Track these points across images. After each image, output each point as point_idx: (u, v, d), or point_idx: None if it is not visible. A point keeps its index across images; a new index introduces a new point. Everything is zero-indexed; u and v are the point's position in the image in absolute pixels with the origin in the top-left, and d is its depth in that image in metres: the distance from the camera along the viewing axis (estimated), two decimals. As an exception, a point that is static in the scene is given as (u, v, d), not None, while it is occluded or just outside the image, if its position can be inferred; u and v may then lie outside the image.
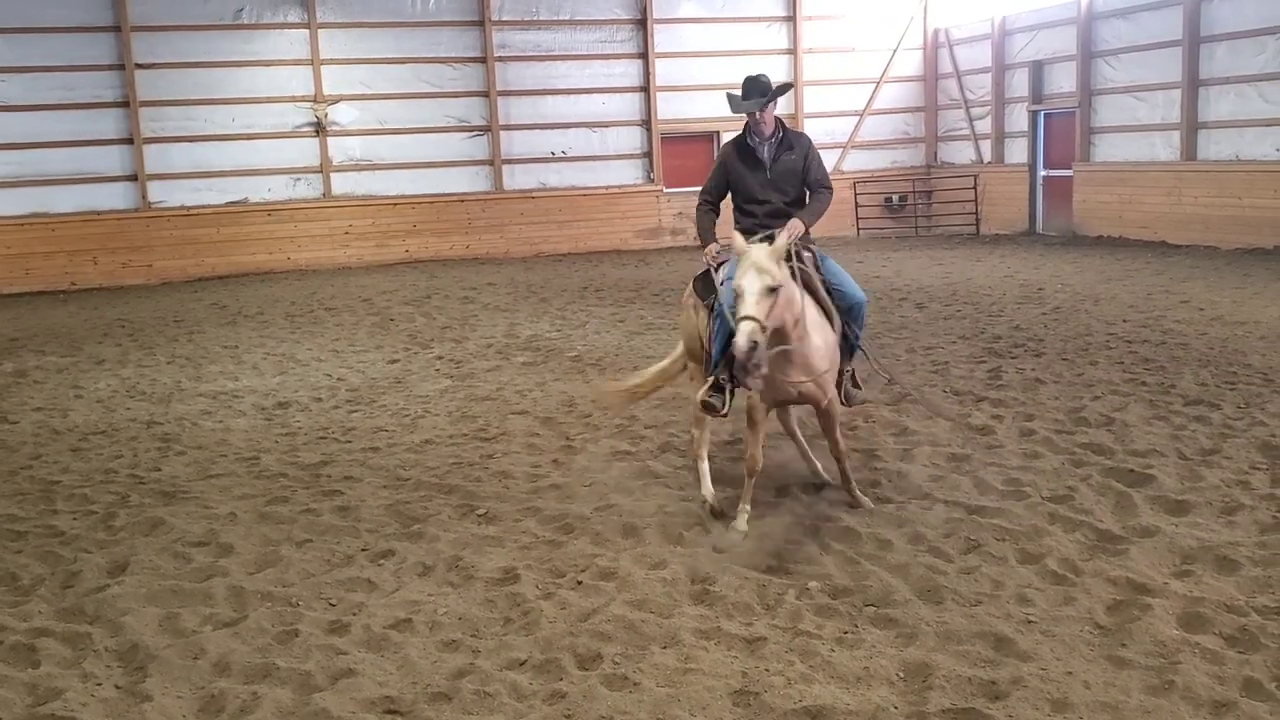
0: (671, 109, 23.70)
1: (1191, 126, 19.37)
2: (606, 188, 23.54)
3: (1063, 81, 22.12)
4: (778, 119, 6.62)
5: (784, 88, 6.67)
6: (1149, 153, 20.33)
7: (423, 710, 4.31)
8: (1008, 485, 6.72)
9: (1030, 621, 4.86)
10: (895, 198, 24.98)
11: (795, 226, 6.26)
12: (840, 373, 6.45)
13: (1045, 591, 5.18)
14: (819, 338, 6.06)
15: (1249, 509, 6.10)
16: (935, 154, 25.71)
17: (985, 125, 24.12)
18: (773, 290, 5.54)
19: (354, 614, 5.22)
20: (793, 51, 24.44)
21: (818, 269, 6.38)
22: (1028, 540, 5.79)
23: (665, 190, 23.71)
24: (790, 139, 6.61)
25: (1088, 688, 4.29)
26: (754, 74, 6.64)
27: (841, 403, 6.54)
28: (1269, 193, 17.75)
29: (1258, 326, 11.39)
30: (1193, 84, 19.25)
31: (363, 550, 6.09)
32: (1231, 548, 5.55)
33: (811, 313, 6.06)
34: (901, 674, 4.48)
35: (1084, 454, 7.26)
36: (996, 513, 6.22)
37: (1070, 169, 21.94)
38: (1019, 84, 23.22)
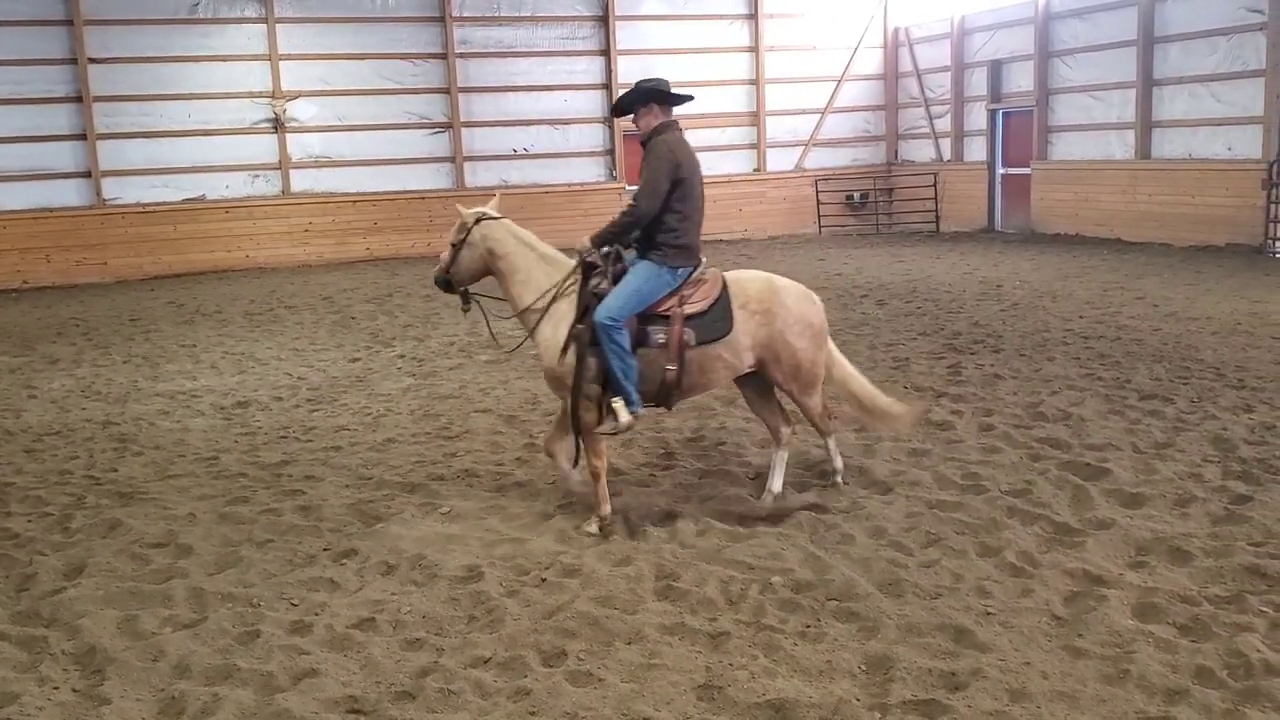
0: (633, 106, 23.66)
1: (1146, 125, 19.64)
2: (569, 185, 23.50)
3: (1021, 80, 22.35)
4: (662, 125, 6.31)
5: (640, 97, 6.31)
6: (1105, 151, 20.60)
7: (387, 709, 4.30)
8: (967, 479, 6.80)
9: (989, 613, 4.92)
10: (856, 195, 25.13)
11: (583, 242, 6.32)
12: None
13: (1004, 584, 5.25)
14: (546, 329, 6.29)
15: (1201, 501, 6.21)
16: (896, 152, 25.89)
17: (945, 123, 24.33)
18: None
19: (316, 614, 5.19)
20: (754, 49, 24.52)
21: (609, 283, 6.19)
22: (987, 533, 5.86)
23: (628, 187, 23.68)
24: (648, 145, 6.31)
25: (1045, 678, 4.35)
26: (646, 77, 6.48)
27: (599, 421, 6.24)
28: (1220, 191, 18.05)
29: (1210, 322, 11.59)
30: (1147, 84, 19.52)
31: (325, 550, 6.05)
32: (1185, 539, 5.66)
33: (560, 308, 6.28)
34: (863, 666, 4.52)
35: (1041, 448, 7.36)
36: (956, 506, 6.29)
37: (1028, 167, 22.18)
38: (978, 83, 23.44)
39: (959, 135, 24.08)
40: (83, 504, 7.04)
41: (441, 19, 22.41)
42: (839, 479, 6.78)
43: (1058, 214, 21.38)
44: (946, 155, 24.32)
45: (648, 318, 6.18)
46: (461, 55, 22.64)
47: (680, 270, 6.28)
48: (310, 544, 6.14)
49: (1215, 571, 5.28)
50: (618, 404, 6.12)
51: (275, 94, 21.52)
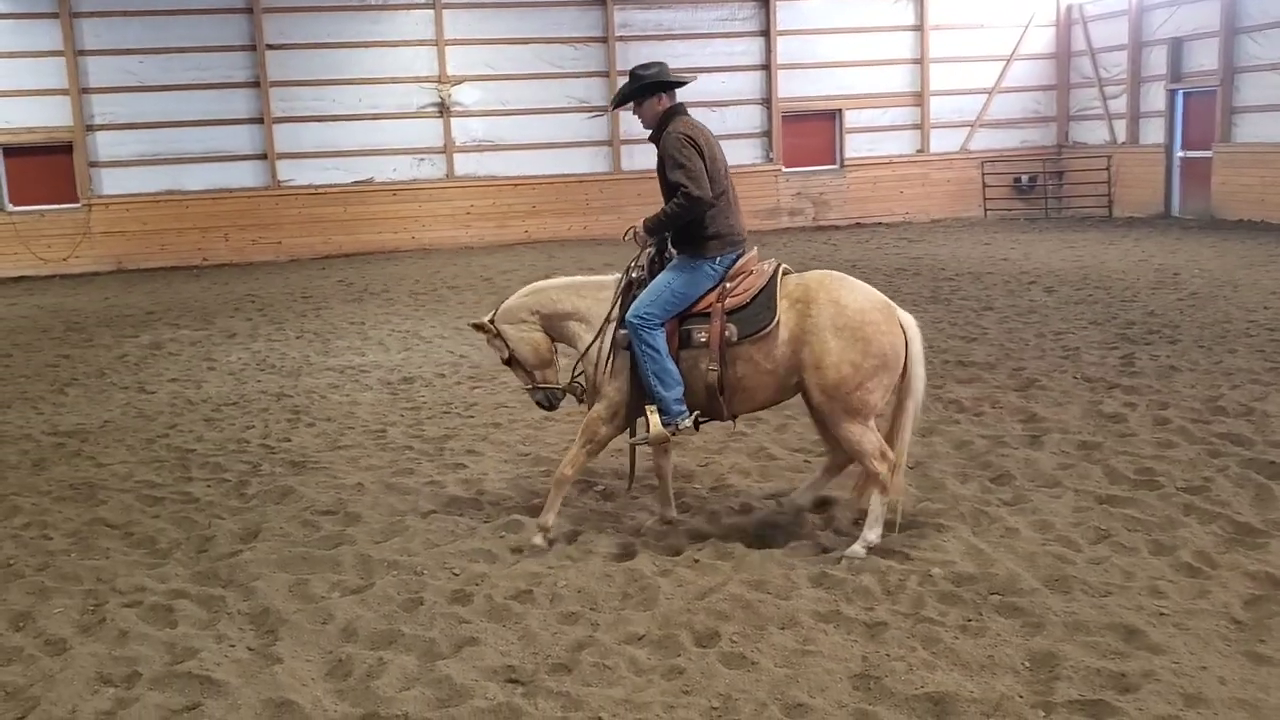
0: (792, 87, 23.40)
1: (1343, 104, 18.38)
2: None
3: (1204, 59, 21.17)
4: (669, 111, 5.93)
5: (644, 88, 5.92)
6: (1296, 132, 19.36)
7: (543, 680, 4.37)
8: (1140, 474, 6.50)
9: (1163, 614, 4.70)
10: (1024, 178, 24.29)
11: (634, 228, 5.94)
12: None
13: (1179, 584, 5.00)
14: (598, 343, 5.89)
15: (1402, 506, 5.79)
16: (1066, 134, 24.91)
17: (1119, 104, 23.27)
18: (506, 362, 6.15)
19: (477, 584, 5.31)
20: (920, 28, 23.90)
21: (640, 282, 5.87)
22: (1161, 531, 5.60)
23: (784, 170, 23.47)
24: (662, 136, 5.88)
25: (1223, 683, 4.13)
26: (641, 64, 6.06)
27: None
28: None
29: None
30: (1346, 59, 18.25)
31: (485, 522, 6.19)
32: (1382, 545, 5.28)
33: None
34: (1027, 663, 4.37)
35: (1221, 444, 6.98)
36: (1128, 502, 6.02)
37: (1209, 150, 21.03)
38: (1156, 61, 22.31)
39: (1135, 117, 22.98)
40: (258, 471, 7.38)
41: (602, 3, 22.58)
42: (854, 551, 5.51)
43: (1241, 199, 20.21)
44: (1121, 137, 23.26)
45: (688, 316, 5.70)
46: (621, 39, 22.76)
47: (720, 260, 5.75)
48: (471, 516, 6.30)
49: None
50: (652, 413, 5.65)
51: (441, 79, 22.06)
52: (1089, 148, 24.11)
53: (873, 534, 5.57)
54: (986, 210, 24.05)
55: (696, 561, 5.51)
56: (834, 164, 23.74)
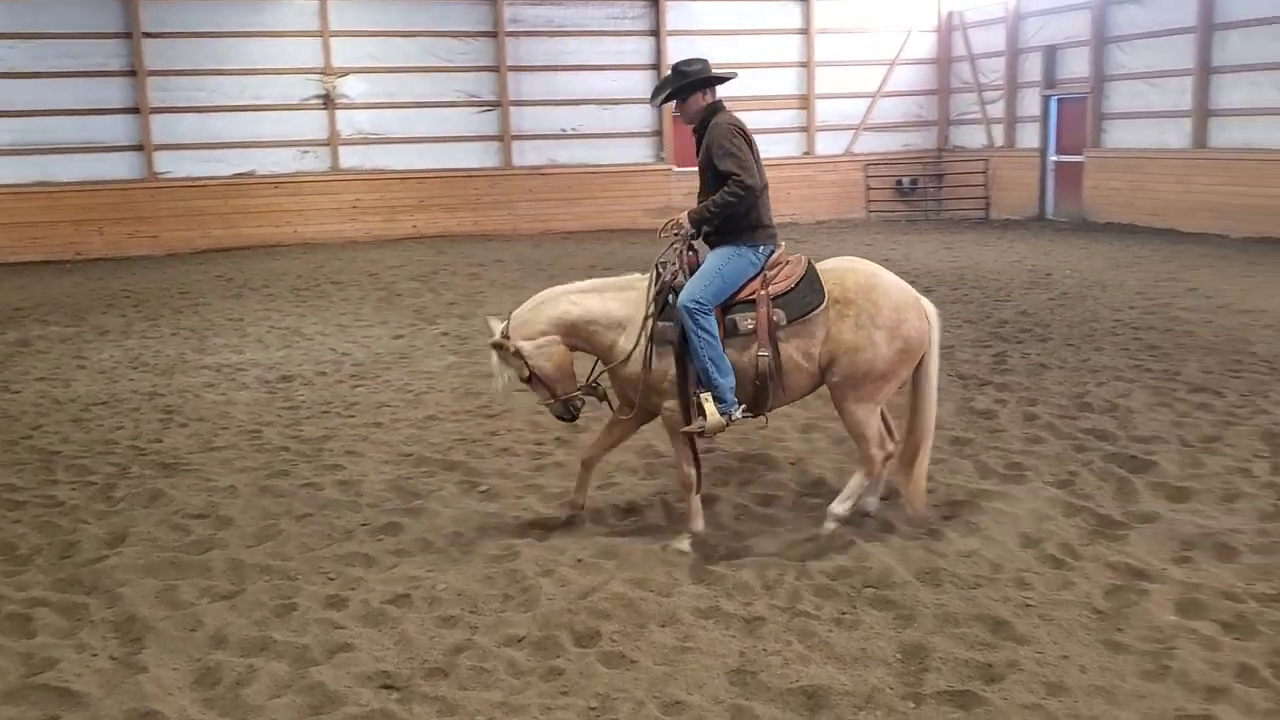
0: (682, 88, 23.50)
1: (1203, 114, 19.22)
2: (616, 166, 23.45)
3: (1076, 66, 21.95)
4: (712, 106, 5.95)
5: (690, 85, 5.90)
6: (1160, 139, 20.19)
7: (419, 685, 4.31)
8: (1009, 469, 6.70)
9: (1028, 605, 4.85)
10: (906, 181, 24.87)
11: (678, 221, 5.91)
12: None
13: (1044, 575, 5.17)
14: (629, 343, 5.76)
15: (1250, 496, 6.08)
16: (947, 137, 25.58)
17: (997, 109, 23.98)
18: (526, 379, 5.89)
19: (352, 588, 5.22)
20: (806, 31, 24.30)
21: (685, 273, 5.77)
22: (1028, 524, 5.77)
23: (675, 169, 23.61)
24: (709, 126, 5.87)
25: (1083, 671, 4.28)
26: (684, 60, 6.06)
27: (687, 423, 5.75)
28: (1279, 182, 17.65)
29: (1264, 315, 11.34)
30: (1205, 71, 19.09)
31: (363, 525, 6.09)
32: (1231, 535, 5.54)
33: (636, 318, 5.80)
34: (899, 655, 4.47)
35: (1087, 439, 7.24)
36: (998, 496, 6.20)
37: (1081, 154, 21.81)
38: (1032, 68, 23.05)
39: (1011, 121, 23.71)
40: (126, 474, 7.14)
41: (492, -2, 22.45)
42: (845, 511, 5.78)
43: (1111, 203, 21.01)
44: (999, 141, 23.98)
45: (732, 305, 5.68)
46: (511, 34, 22.64)
47: (763, 249, 5.81)
48: (349, 519, 6.19)
49: (1262, 569, 5.16)
50: (707, 400, 5.58)
51: (326, 70, 21.65)
52: (968, 151, 24.80)
53: (841, 507, 5.79)
54: (870, 212, 24.56)
55: (580, 561, 5.50)
56: (723, 164, 23.87)
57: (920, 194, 24.84)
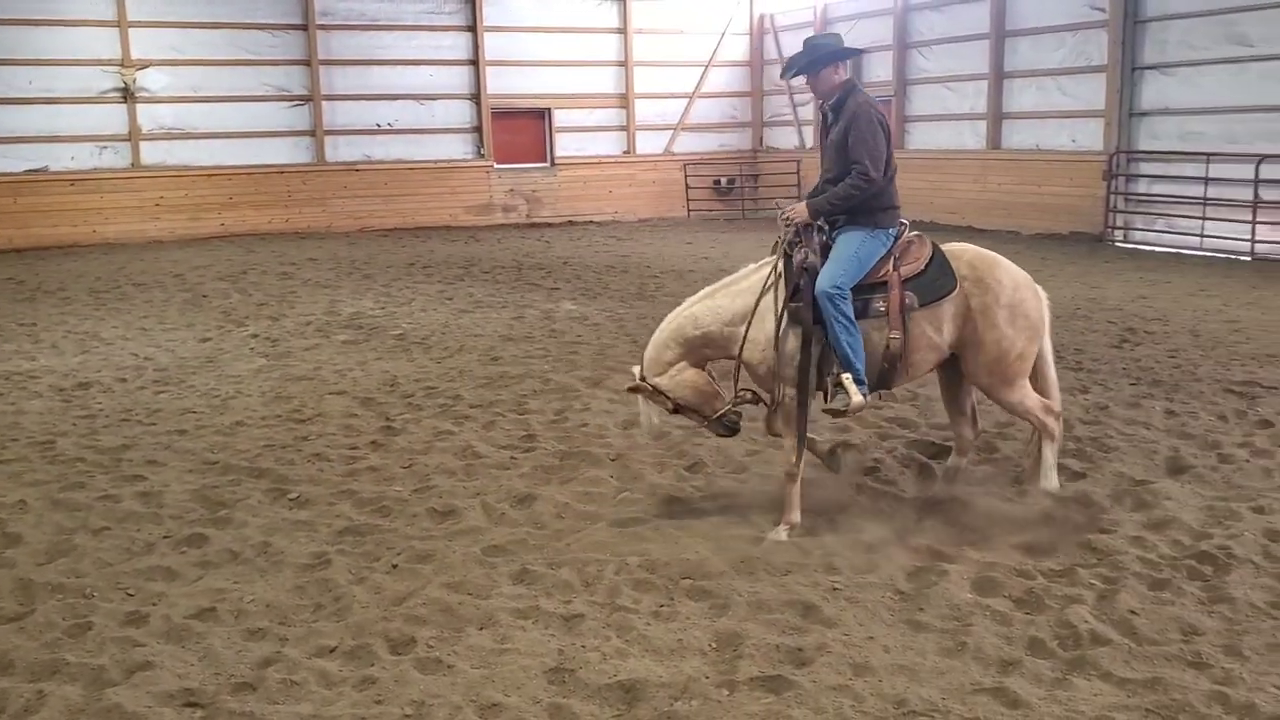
0: (502, 84, 23.42)
1: (997, 117, 20.32)
2: (435, 162, 23.14)
3: (880, 70, 22.85)
4: (849, 81, 5.98)
5: (819, 59, 5.90)
6: (958, 141, 21.25)
7: (225, 701, 4.15)
8: (817, 459, 6.90)
9: (836, 589, 5.02)
10: (724, 180, 25.39)
11: (796, 211, 5.85)
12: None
13: (851, 560, 5.36)
14: (757, 332, 5.81)
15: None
16: (761, 138, 26.22)
17: (807, 111, 24.72)
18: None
19: (153, 604, 4.99)
20: (623, 31, 24.50)
21: (816, 254, 5.76)
22: (836, 511, 5.96)
23: (496, 166, 23.45)
24: (846, 106, 5.86)
25: (887, 651, 4.46)
26: (815, 35, 6.18)
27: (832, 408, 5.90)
28: (1064, 181, 18.82)
29: (1051, 306, 11.97)
30: (998, 76, 20.19)
31: (165, 538, 5.83)
32: (1023, 515, 5.85)
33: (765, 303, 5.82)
34: (714, 644, 4.56)
35: (890, 427, 7.57)
36: (808, 484, 6.36)
37: (888, 154, 22.67)
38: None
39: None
40: (-98, 492, 6.63)
41: (301, -11, 21.80)
42: (1055, 484, 6.05)
43: (913, 201, 21.54)
44: (809, 143, 24.73)
45: (862, 287, 5.74)
46: (323, 27, 22.07)
47: (891, 230, 5.87)
48: (150, 532, 5.91)
49: (1049, 547, 5.48)
50: (847, 379, 5.64)
51: (124, 63, 20.62)
52: (780, 152, 25.50)
53: (1049, 482, 6.03)
54: (690, 210, 24.98)
55: (395, 567, 5.41)
56: (545, 162, 23.95)
57: (737, 193, 25.40)
